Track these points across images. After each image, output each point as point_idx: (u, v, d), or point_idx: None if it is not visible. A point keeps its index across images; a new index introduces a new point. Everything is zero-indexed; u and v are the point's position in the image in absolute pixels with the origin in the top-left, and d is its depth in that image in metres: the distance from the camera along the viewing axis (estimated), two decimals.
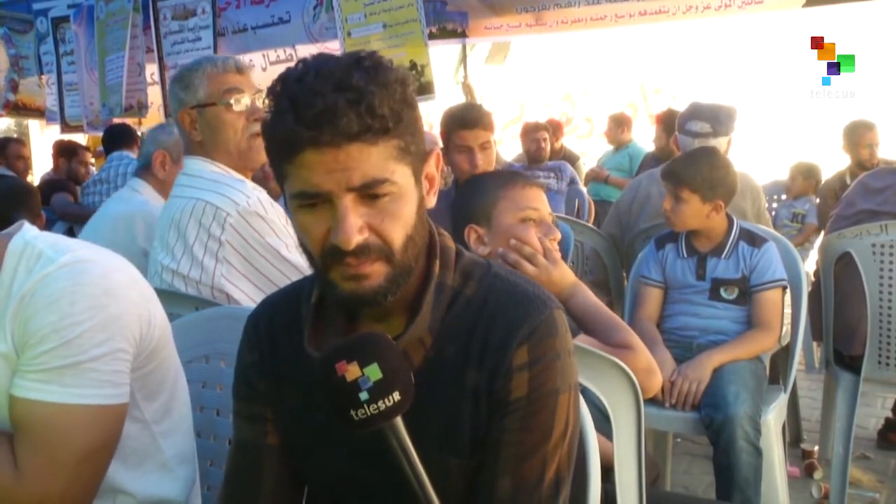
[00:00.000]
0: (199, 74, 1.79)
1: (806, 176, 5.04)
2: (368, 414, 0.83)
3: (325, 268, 0.88)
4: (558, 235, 1.62)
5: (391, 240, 0.87)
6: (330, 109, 0.81)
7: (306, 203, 0.86)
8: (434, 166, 0.95)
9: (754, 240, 2.30)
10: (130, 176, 2.84)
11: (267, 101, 0.86)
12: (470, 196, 1.66)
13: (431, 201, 0.95)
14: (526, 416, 0.91)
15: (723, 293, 2.29)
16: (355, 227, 0.84)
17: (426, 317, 0.92)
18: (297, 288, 1.04)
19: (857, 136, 4.44)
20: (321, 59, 0.86)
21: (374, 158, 0.83)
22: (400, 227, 0.87)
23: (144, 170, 2.54)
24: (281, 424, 1.02)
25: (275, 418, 1.02)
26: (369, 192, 0.84)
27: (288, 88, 0.84)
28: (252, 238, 1.69)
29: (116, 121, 5.35)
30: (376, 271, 0.87)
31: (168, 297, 1.55)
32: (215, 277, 1.70)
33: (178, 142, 2.32)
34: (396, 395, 0.84)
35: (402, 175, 0.86)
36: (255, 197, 1.71)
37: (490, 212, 1.60)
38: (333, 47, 4.78)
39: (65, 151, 5.76)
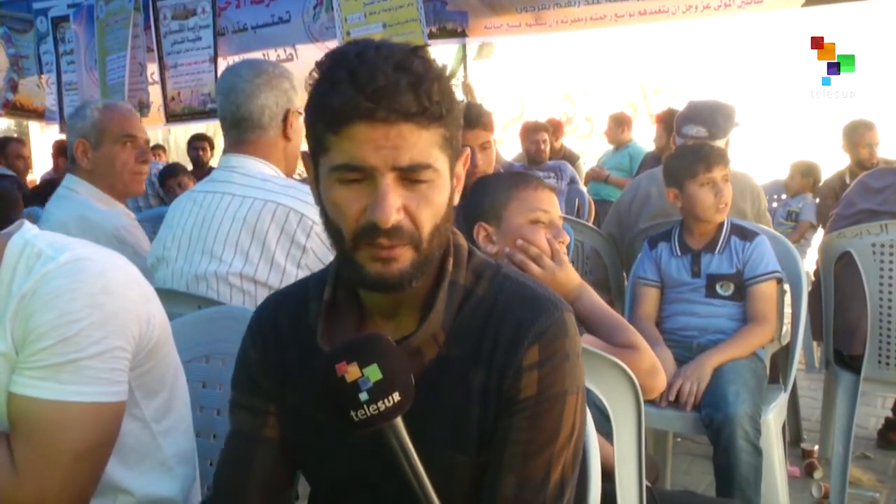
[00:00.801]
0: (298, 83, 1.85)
1: (804, 174, 5.04)
2: (368, 414, 0.83)
3: (354, 247, 0.88)
4: (567, 238, 1.63)
5: (422, 226, 0.88)
6: (392, 85, 0.82)
7: (347, 177, 0.86)
8: (462, 166, 0.96)
9: (745, 234, 2.31)
10: None
11: (314, 74, 0.87)
12: (482, 194, 1.66)
13: (456, 198, 0.95)
14: (534, 416, 0.91)
15: (719, 289, 2.29)
16: (395, 205, 0.85)
17: (440, 313, 0.92)
18: (302, 286, 1.04)
19: (857, 135, 4.45)
20: (374, 42, 0.87)
21: (423, 142, 0.85)
22: (432, 216, 0.88)
23: (73, 163, 2.26)
24: (283, 422, 1.02)
25: (277, 414, 1.02)
26: (412, 176, 0.86)
27: (345, 62, 0.84)
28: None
29: None
30: (404, 256, 0.88)
31: (169, 296, 1.55)
32: None
33: (96, 125, 2.19)
34: (396, 396, 0.84)
35: (443, 164, 0.88)
36: None
37: (500, 211, 1.61)
38: (333, 47, 4.78)
39: (65, 151, 5.72)
